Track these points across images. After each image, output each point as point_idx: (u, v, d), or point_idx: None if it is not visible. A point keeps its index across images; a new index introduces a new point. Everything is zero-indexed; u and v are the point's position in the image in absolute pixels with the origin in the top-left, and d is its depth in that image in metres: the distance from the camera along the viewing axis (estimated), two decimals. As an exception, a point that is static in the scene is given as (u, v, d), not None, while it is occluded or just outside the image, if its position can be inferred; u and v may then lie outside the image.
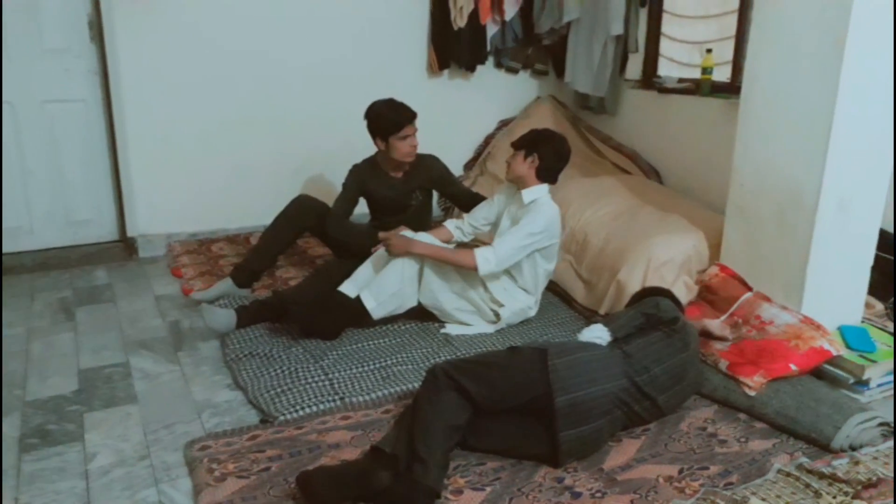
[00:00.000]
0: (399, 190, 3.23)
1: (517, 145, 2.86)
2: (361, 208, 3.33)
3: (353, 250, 3.05)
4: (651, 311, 2.24)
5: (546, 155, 2.79)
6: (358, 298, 2.73)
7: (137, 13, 3.57)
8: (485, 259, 2.68)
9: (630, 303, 2.47)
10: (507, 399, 1.99)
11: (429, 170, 3.27)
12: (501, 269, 2.75)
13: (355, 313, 2.74)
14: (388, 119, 3.04)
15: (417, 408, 1.94)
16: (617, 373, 2.06)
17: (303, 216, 3.16)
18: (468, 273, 2.76)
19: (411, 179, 3.23)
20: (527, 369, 1.99)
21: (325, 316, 2.73)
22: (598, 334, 2.16)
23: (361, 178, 3.21)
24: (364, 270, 2.87)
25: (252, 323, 2.81)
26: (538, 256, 2.84)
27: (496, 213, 3.01)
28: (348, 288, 2.81)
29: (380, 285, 2.72)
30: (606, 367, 2.05)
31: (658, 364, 2.13)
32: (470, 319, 2.86)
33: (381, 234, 2.87)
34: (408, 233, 2.84)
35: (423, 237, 2.83)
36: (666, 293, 2.43)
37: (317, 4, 3.97)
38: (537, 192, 2.82)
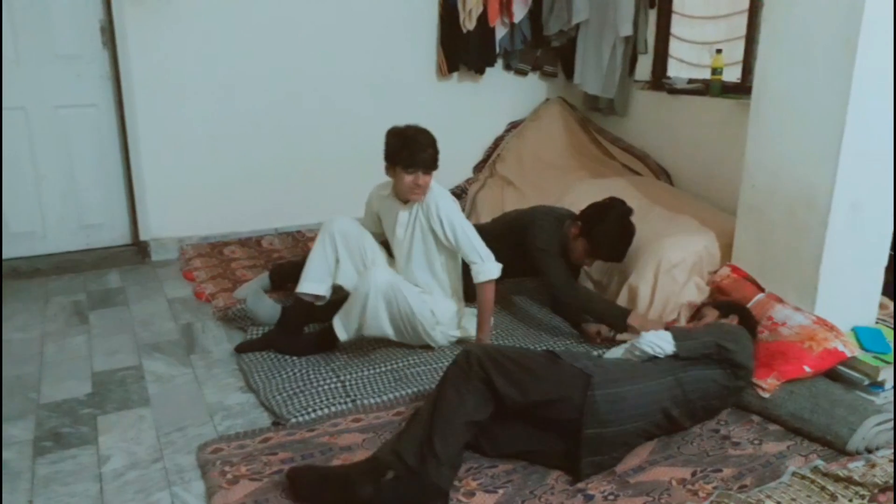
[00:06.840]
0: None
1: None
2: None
3: None
4: (727, 346, 2.11)
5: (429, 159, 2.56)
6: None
7: (149, 19, 3.60)
8: (486, 270, 2.58)
9: (713, 306, 2.44)
10: (534, 409, 1.93)
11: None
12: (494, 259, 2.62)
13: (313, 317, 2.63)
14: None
15: (442, 393, 1.88)
16: (656, 409, 2.00)
17: None
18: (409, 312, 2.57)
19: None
20: (565, 389, 1.92)
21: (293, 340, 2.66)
22: (661, 346, 2.08)
23: None
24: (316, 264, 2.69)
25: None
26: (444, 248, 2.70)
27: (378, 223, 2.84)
28: (306, 287, 2.65)
29: (347, 313, 2.54)
30: (648, 403, 1.99)
31: (703, 399, 2.10)
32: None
33: None
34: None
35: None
36: (746, 314, 2.39)
37: (326, 9, 3.98)
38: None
